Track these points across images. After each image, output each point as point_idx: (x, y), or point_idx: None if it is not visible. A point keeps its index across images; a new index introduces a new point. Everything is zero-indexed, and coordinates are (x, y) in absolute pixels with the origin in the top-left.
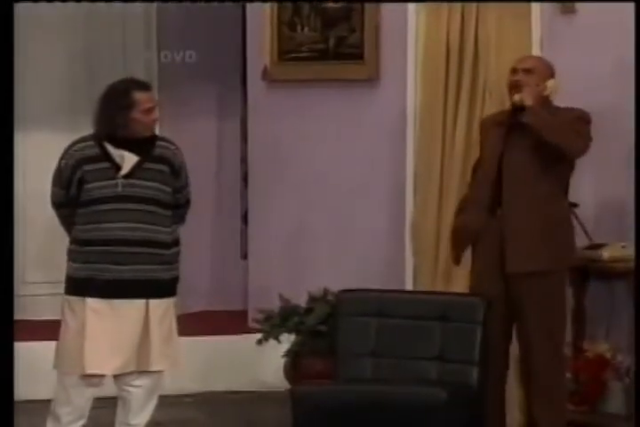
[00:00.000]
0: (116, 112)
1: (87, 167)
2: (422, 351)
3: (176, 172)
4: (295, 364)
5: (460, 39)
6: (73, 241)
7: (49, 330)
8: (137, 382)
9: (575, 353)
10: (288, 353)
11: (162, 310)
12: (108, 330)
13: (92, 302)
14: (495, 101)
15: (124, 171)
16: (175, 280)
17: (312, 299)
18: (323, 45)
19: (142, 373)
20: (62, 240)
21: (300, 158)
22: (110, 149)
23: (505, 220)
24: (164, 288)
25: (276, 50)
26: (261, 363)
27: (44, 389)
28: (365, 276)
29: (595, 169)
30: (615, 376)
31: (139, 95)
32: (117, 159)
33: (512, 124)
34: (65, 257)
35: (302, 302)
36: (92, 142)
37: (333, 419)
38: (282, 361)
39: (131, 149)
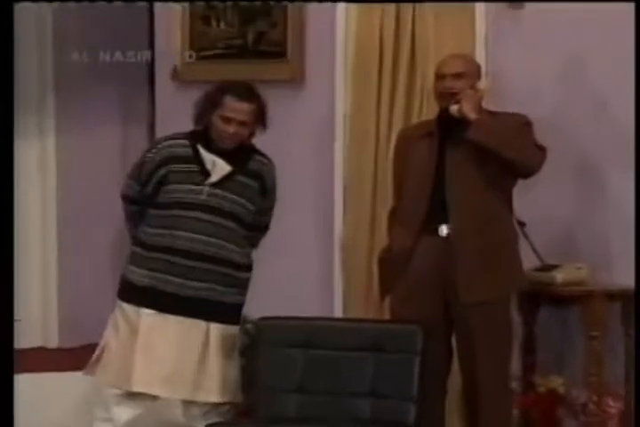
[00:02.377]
0: (204, 108)
1: (174, 166)
2: (354, 386)
3: (267, 190)
4: None
5: (395, 35)
6: (138, 243)
7: None
8: (207, 417)
9: (525, 388)
10: None
11: (224, 336)
12: (162, 347)
13: (148, 314)
14: (435, 103)
15: (214, 178)
16: (241, 307)
17: None
18: (240, 42)
19: (208, 409)
20: None
21: None
22: (203, 152)
23: (454, 243)
24: (229, 313)
25: (188, 47)
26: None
27: None
28: (289, 301)
29: (540, 182)
30: (570, 414)
31: (228, 100)
32: (208, 164)
33: (446, 135)
34: None
35: None
36: (184, 141)
37: None
38: None
39: (224, 158)
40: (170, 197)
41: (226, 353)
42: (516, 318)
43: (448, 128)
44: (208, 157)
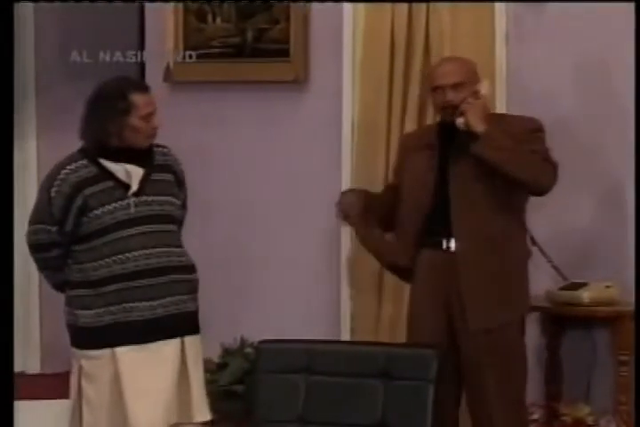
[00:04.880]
0: (109, 119)
1: (88, 191)
2: (361, 417)
3: (180, 181)
4: None
5: (408, 32)
6: (78, 286)
7: None
8: None
9: (549, 418)
10: None
11: (196, 348)
12: (148, 381)
13: (124, 352)
14: None
15: (135, 186)
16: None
17: (226, 352)
18: (238, 39)
19: None
20: None
21: (208, 178)
22: (109, 164)
23: (460, 263)
24: (196, 322)
25: (181, 45)
26: None
27: None
28: (291, 323)
29: (555, 193)
30: None
31: (136, 97)
32: (121, 175)
33: (448, 147)
34: None
35: (214, 355)
36: (84, 161)
37: None
38: None
39: (131, 162)
40: (99, 224)
41: (200, 366)
42: (539, 341)
43: (450, 140)
44: (117, 168)
